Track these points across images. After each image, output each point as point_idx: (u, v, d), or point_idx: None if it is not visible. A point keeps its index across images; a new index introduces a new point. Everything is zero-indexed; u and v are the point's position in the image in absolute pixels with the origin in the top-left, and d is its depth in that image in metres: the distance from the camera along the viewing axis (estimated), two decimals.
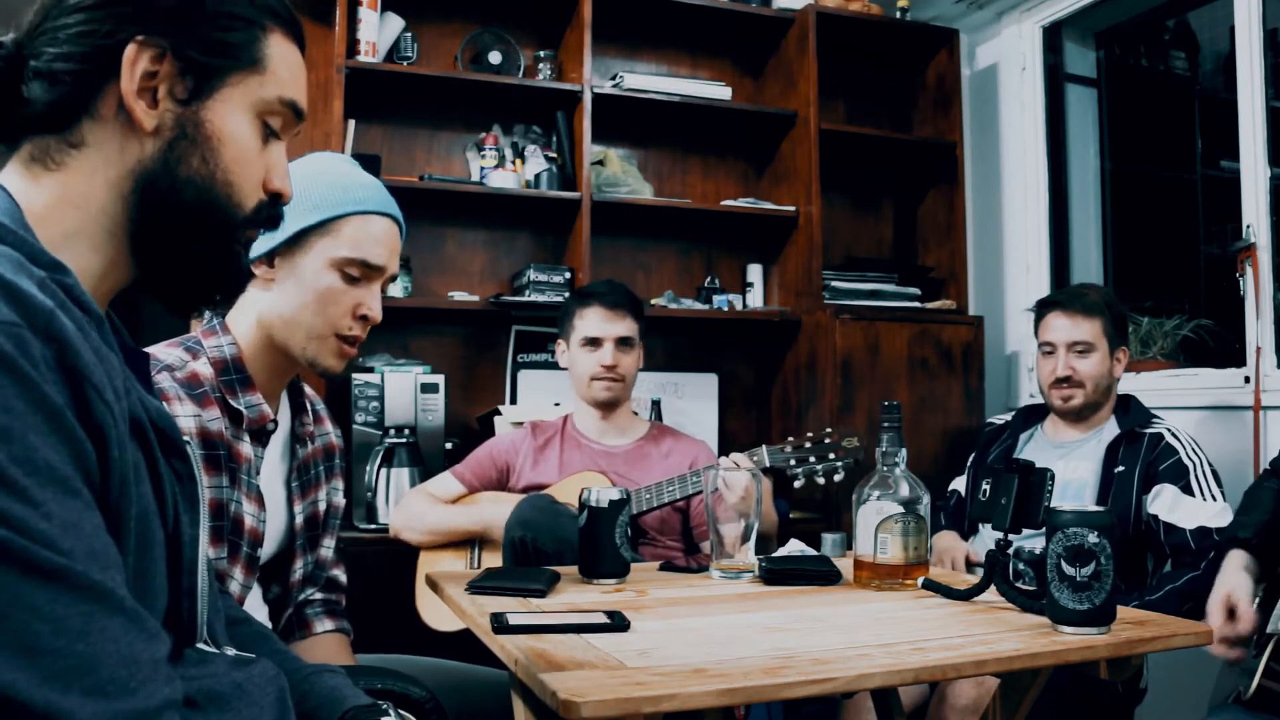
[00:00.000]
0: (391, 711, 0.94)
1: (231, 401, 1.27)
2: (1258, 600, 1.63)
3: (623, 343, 2.24)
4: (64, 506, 0.58)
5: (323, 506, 1.45)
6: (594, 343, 2.23)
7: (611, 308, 2.24)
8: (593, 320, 2.24)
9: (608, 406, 2.29)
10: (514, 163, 2.97)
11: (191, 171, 0.78)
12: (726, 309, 3.12)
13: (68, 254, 0.74)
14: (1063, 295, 2.34)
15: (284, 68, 0.84)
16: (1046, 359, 2.29)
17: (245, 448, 1.28)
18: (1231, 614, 1.63)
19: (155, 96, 0.76)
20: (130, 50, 0.75)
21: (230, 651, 0.85)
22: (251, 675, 0.81)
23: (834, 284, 3.09)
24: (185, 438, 0.78)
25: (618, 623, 1.17)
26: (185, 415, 1.22)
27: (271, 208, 0.85)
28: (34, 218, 0.73)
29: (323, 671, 0.99)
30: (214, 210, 0.80)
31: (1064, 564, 1.17)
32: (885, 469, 1.47)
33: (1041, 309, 2.35)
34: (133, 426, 0.69)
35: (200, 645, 0.81)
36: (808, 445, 2.13)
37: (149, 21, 0.75)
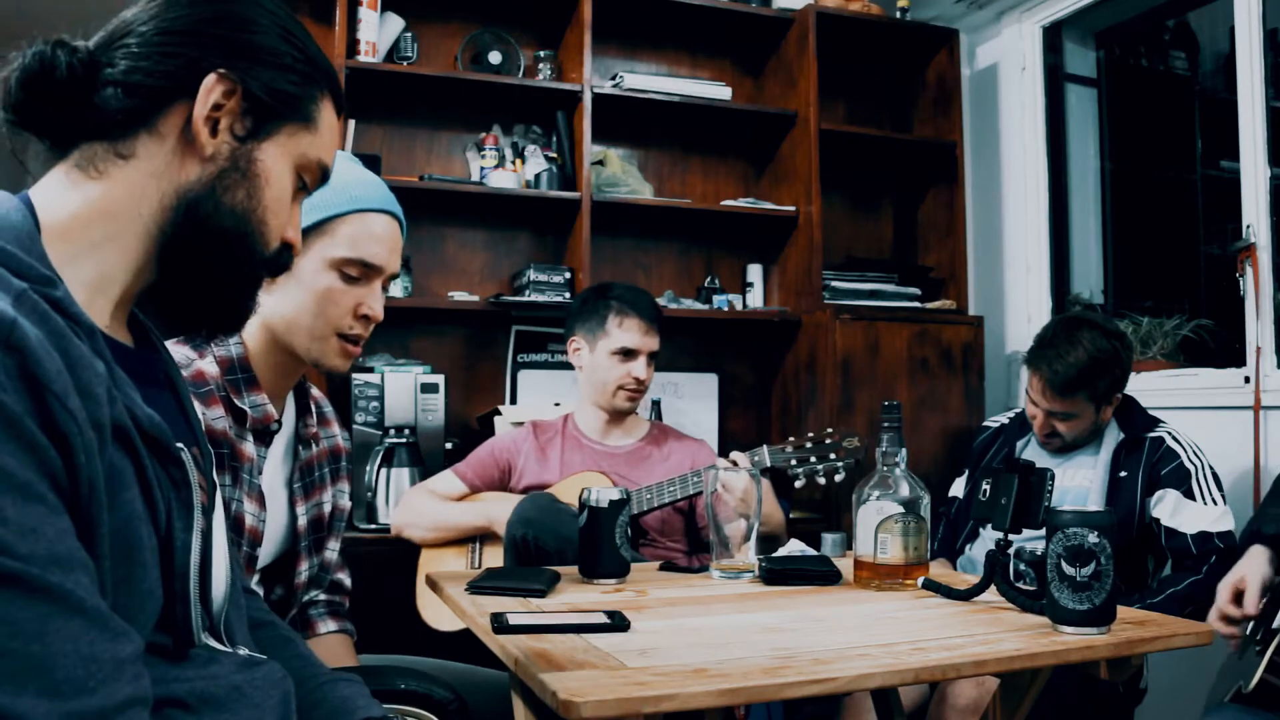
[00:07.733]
0: None
1: (236, 400, 1.27)
2: (1265, 600, 1.64)
3: (652, 357, 2.27)
4: (21, 512, 0.59)
5: (328, 509, 1.45)
6: (629, 354, 2.23)
7: (650, 321, 2.25)
8: (633, 332, 2.23)
9: (624, 414, 2.30)
10: (514, 163, 2.97)
11: (235, 202, 0.82)
12: (726, 309, 3.12)
13: (92, 259, 0.76)
14: (1045, 361, 2.13)
15: (328, 132, 0.90)
16: (1032, 407, 2.22)
17: (248, 447, 1.28)
18: (1239, 599, 1.64)
19: (217, 127, 0.81)
20: (210, 79, 0.79)
21: (243, 652, 0.85)
22: (254, 677, 0.81)
23: (834, 284, 3.09)
24: (179, 446, 0.78)
25: (618, 623, 1.17)
26: None
27: (282, 255, 0.90)
28: (60, 226, 0.76)
29: (339, 680, 0.99)
30: (245, 242, 0.84)
31: (1064, 564, 1.17)
32: (885, 469, 1.47)
33: (1028, 363, 2.22)
34: (119, 434, 0.69)
35: (210, 643, 0.81)
36: (808, 445, 2.14)
37: (230, 57, 0.81)
